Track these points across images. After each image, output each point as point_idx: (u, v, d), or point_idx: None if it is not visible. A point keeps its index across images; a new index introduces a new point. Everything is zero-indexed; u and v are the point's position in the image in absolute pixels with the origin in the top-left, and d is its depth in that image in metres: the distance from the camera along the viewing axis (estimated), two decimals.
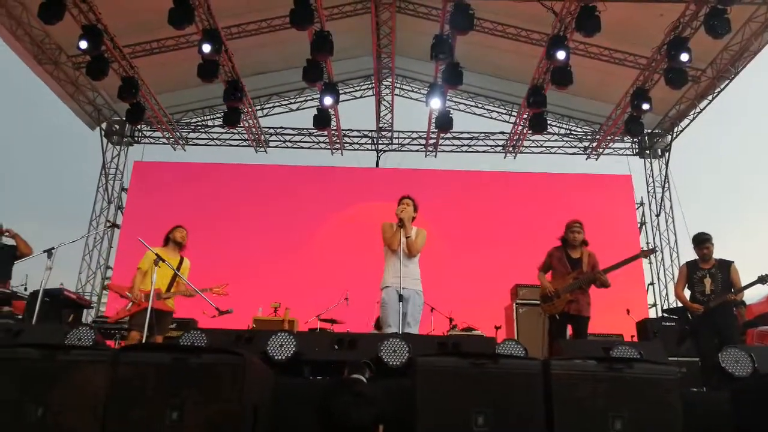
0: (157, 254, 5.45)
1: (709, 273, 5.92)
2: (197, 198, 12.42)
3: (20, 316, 6.75)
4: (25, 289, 7.44)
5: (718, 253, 6.05)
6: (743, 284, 5.84)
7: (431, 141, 13.27)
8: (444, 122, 11.26)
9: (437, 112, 11.20)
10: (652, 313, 11.77)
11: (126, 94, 10.27)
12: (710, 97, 11.05)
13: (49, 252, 5.54)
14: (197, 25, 8.92)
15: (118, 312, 6.11)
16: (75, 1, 8.55)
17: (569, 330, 5.81)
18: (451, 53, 9.19)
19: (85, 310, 8.90)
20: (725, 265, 5.93)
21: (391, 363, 3.81)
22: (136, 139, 13.50)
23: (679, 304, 6.25)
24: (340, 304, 8.92)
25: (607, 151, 13.34)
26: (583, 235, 5.92)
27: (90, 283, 12.28)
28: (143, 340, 5.21)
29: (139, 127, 13.27)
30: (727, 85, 10.57)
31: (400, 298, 4.95)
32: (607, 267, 5.75)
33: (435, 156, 13.58)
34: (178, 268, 5.96)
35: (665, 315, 8.93)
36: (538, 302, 6.20)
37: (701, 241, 6.02)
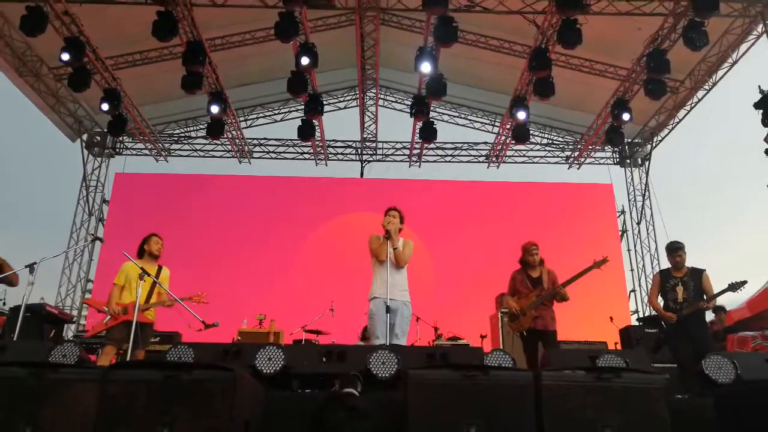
0: (142, 269, 5.38)
1: (681, 281, 6.01)
2: (180, 210, 12.33)
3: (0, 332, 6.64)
4: (4, 304, 7.32)
5: (697, 260, 6.17)
6: (715, 291, 5.93)
7: (415, 151, 13.34)
8: (428, 132, 11.33)
9: (421, 122, 11.26)
10: (634, 320, 11.91)
11: (108, 105, 10.19)
12: (688, 107, 11.27)
13: (31, 267, 5.42)
14: (181, 37, 8.89)
15: (94, 326, 6.01)
16: (57, 14, 8.48)
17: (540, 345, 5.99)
18: (434, 65, 9.28)
19: (65, 325, 8.77)
20: (697, 274, 6.03)
21: (380, 375, 3.81)
22: (117, 150, 13.39)
23: (654, 313, 6.33)
24: (325, 315, 8.90)
25: (588, 160, 13.51)
26: (539, 256, 6.19)
27: (70, 297, 12.10)
28: (129, 355, 5.11)
29: (120, 138, 13.17)
30: (705, 95, 10.78)
31: (388, 309, 4.96)
32: (563, 281, 5.98)
33: (419, 166, 13.66)
34: (157, 279, 5.84)
35: (639, 324, 9.02)
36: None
37: (674, 250, 6.12)
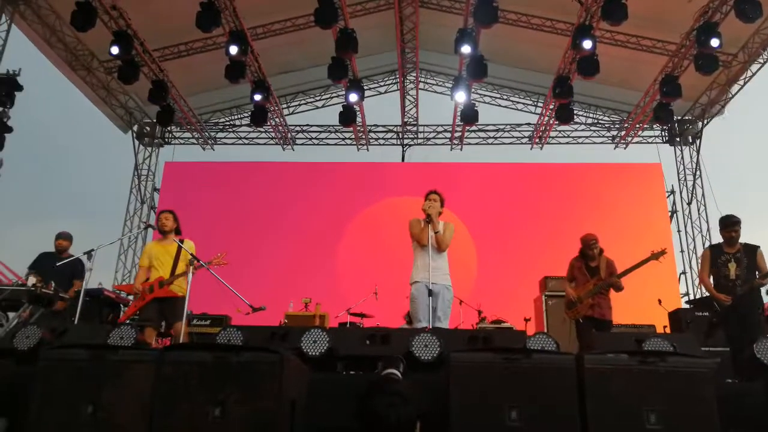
0: (192, 255, 5.55)
1: (734, 257, 5.67)
2: (227, 196, 12.64)
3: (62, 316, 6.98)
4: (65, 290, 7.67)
5: (754, 242, 5.90)
6: None
7: (457, 134, 13.25)
8: (469, 115, 11.25)
9: (462, 105, 11.18)
10: (684, 303, 11.61)
11: (156, 96, 10.51)
12: (742, 82, 10.82)
13: (89, 254, 5.73)
14: (224, 27, 9.06)
15: (126, 310, 6.18)
16: (106, 8, 8.77)
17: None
18: (474, 46, 9.19)
19: (122, 308, 9.15)
20: (751, 250, 5.68)
21: (422, 358, 3.86)
22: (166, 140, 13.79)
23: (706, 293, 6.11)
24: (369, 299, 9.02)
25: (636, 139, 13.16)
26: (598, 248, 6.24)
27: (126, 282, 12.59)
28: (181, 336, 5.29)
29: (169, 128, 13.54)
30: (760, 69, 10.32)
31: (430, 293, 5.00)
32: (620, 272, 6.04)
33: (461, 149, 13.56)
34: (179, 253, 5.82)
35: (690, 306, 8.76)
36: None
37: (731, 224, 5.75)
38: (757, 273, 5.63)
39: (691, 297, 11.75)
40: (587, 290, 6.06)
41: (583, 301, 6.04)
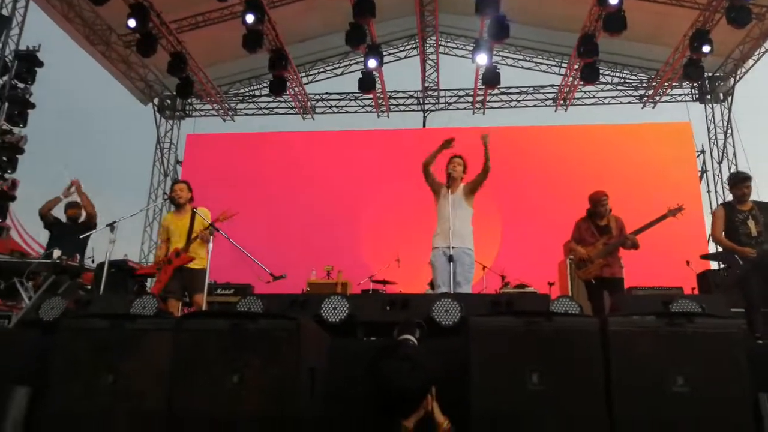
0: (211, 224, 5.57)
1: (751, 215, 5.47)
2: (248, 167, 12.65)
3: (89, 287, 7.13)
4: (93, 262, 7.83)
5: None
6: None
7: (479, 98, 13.00)
8: (491, 78, 11.00)
9: (484, 68, 10.92)
10: (713, 265, 11.34)
11: (175, 69, 10.47)
12: None
13: (112, 226, 5.81)
14: None
15: (152, 289, 6.20)
16: None
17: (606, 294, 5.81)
18: (496, 6, 8.92)
19: (149, 280, 9.30)
20: (764, 207, 5.51)
21: (443, 323, 3.83)
22: (187, 112, 13.81)
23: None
24: (392, 266, 9.01)
25: (664, 98, 12.75)
26: (608, 207, 5.99)
27: (152, 254, 12.79)
28: (203, 303, 5.33)
29: (189, 100, 13.54)
30: None
31: (450, 258, 4.96)
32: (635, 230, 5.75)
33: (483, 113, 13.31)
34: (193, 221, 5.73)
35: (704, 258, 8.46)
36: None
37: (741, 179, 5.57)
38: None
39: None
40: (598, 250, 5.82)
41: (594, 261, 5.80)
